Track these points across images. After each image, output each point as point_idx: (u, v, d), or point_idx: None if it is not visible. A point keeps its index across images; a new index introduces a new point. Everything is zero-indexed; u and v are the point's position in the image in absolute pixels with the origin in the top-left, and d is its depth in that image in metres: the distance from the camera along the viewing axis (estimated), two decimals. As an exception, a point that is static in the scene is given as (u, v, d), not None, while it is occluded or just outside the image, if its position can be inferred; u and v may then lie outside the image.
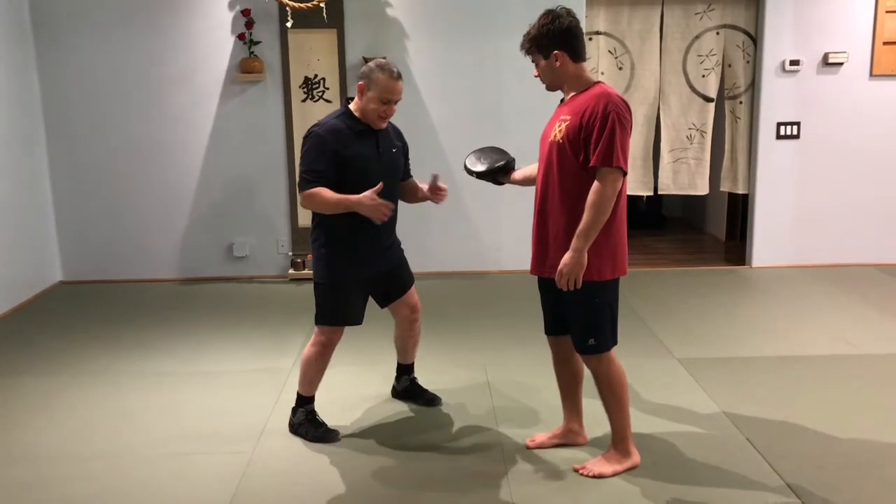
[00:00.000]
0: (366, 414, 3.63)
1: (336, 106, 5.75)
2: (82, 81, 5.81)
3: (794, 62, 5.93)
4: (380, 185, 3.14)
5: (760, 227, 6.22)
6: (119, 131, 5.88)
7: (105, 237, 6.02)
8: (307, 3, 5.45)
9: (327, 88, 5.86)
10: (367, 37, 5.81)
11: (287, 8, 5.41)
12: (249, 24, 5.72)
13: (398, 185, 3.46)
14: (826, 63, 5.95)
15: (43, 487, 3.03)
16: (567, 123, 2.86)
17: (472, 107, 5.96)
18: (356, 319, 3.39)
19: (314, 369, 3.39)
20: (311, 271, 3.40)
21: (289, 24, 5.47)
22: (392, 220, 3.40)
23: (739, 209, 7.14)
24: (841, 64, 5.96)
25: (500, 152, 3.42)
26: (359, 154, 3.19)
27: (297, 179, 3.27)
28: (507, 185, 3.50)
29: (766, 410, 3.59)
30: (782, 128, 6.05)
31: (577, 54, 2.90)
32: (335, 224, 3.22)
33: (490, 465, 3.13)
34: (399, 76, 3.20)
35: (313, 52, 5.82)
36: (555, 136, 2.90)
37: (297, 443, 3.35)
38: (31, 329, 4.96)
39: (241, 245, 6.07)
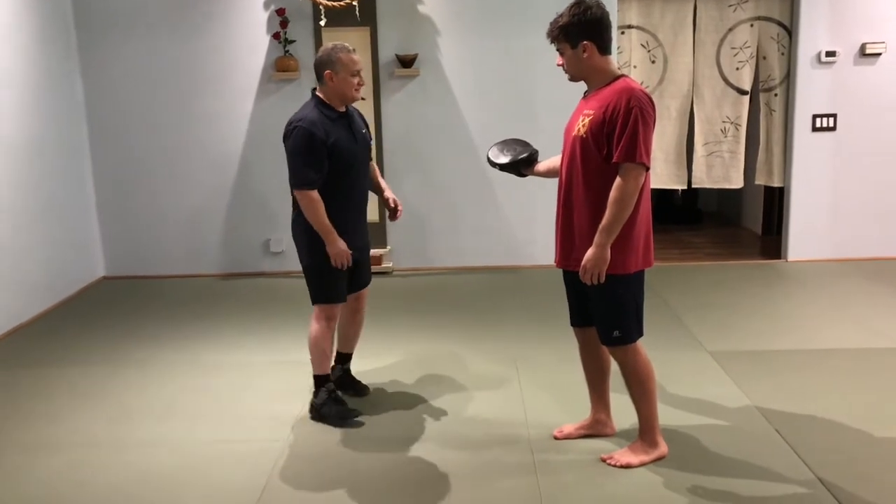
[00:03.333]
0: (394, 405, 3.70)
1: (370, 102, 5.82)
2: (123, 83, 5.95)
3: (830, 53, 5.85)
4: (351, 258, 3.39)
5: (796, 220, 6.15)
6: (159, 130, 6.02)
7: (146, 234, 6.16)
8: (340, 1, 5.52)
9: (361, 85, 5.90)
10: (399, 34, 5.87)
11: (321, 7, 5.50)
12: (284, 24, 5.81)
13: (368, 167, 3.57)
14: (863, 54, 5.86)
15: (86, 473, 3.14)
16: (590, 118, 2.87)
17: (504, 101, 5.98)
18: (345, 296, 3.51)
19: (323, 345, 3.48)
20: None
21: (322, 23, 5.55)
22: (363, 200, 3.55)
23: (776, 203, 7.05)
24: (879, 55, 5.86)
25: (522, 144, 3.41)
26: (340, 140, 3.33)
27: (290, 174, 3.37)
28: (537, 179, 3.48)
29: (798, 404, 3.57)
30: (818, 120, 5.98)
31: (605, 46, 2.90)
32: None
33: (518, 455, 3.17)
34: (353, 49, 3.38)
35: (347, 50, 5.87)
36: (578, 130, 2.91)
37: (329, 431, 3.42)
38: (75, 322, 5.12)
39: (277, 241, 6.17)
